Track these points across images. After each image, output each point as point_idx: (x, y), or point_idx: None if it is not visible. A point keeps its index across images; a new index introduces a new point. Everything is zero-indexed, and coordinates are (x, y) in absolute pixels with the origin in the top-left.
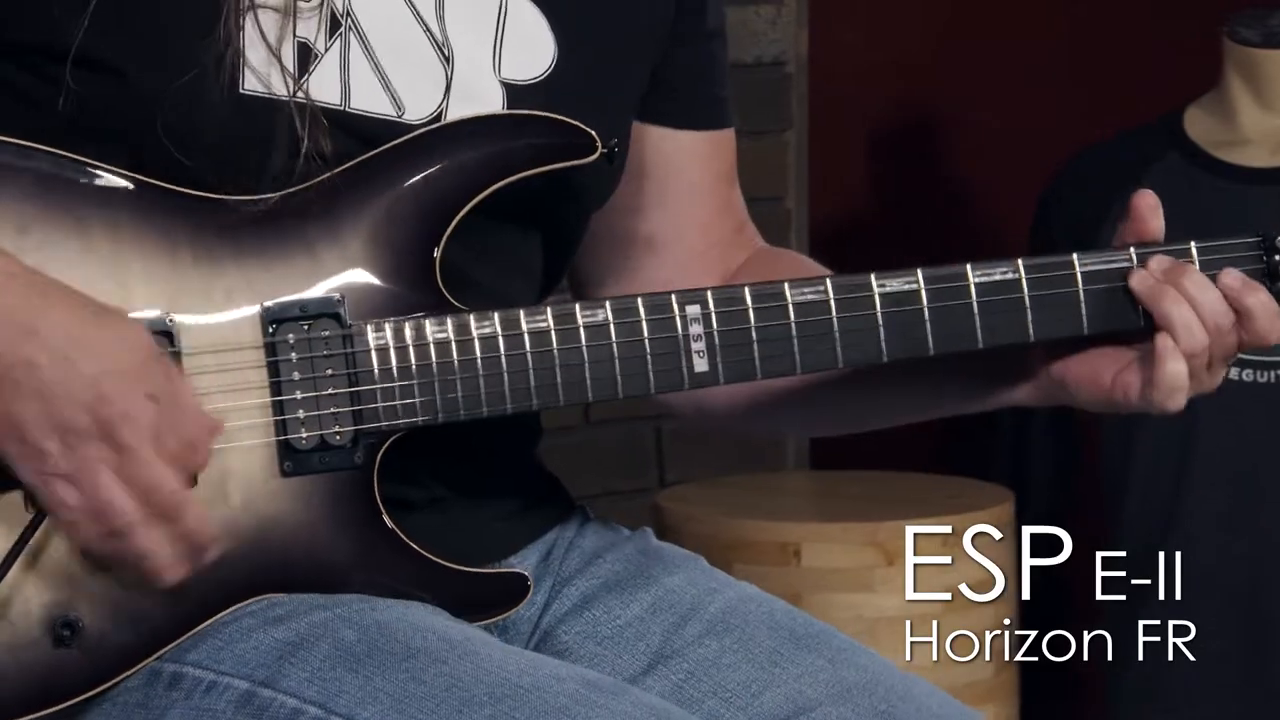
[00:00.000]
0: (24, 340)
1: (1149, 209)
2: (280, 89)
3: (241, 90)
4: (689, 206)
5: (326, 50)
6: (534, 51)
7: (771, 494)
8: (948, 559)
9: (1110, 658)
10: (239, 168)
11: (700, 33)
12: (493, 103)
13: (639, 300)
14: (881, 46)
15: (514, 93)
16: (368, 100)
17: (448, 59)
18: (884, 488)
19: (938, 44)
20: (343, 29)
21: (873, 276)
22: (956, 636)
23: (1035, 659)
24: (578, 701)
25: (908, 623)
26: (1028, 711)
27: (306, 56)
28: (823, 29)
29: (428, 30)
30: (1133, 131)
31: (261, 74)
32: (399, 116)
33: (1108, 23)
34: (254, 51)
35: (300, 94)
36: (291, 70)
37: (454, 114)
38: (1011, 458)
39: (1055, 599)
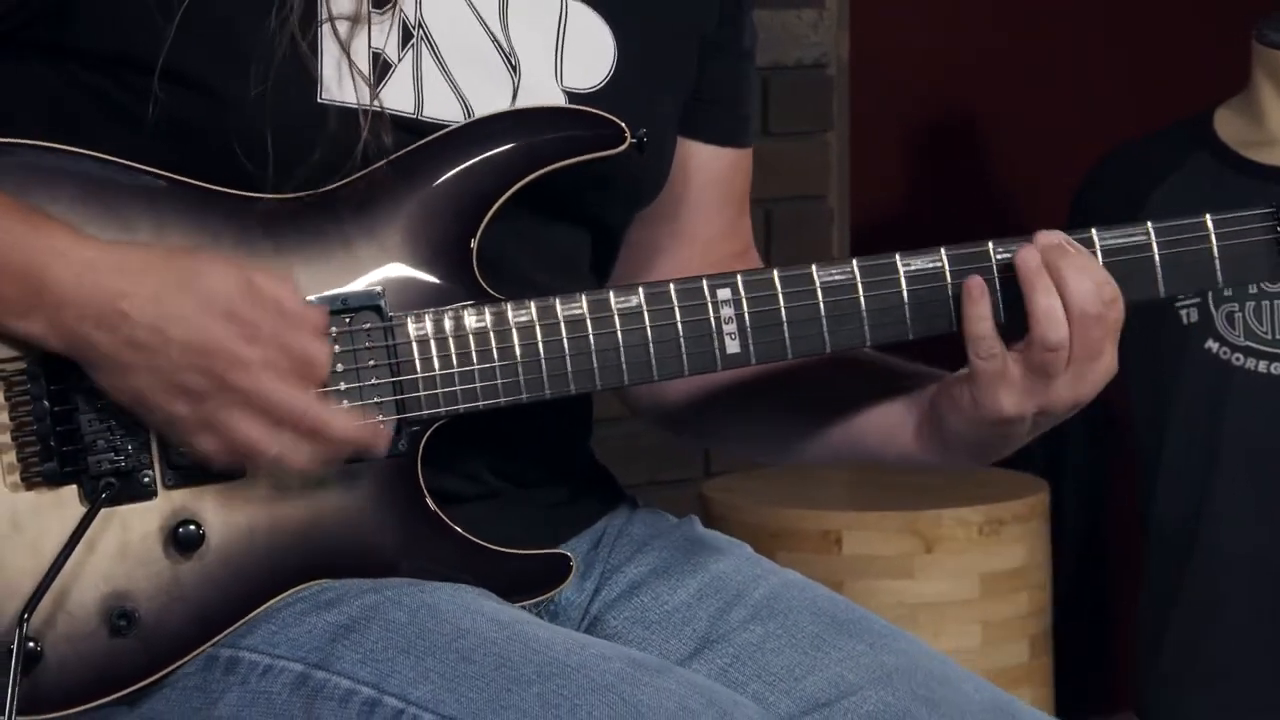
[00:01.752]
0: (118, 326)
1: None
2: (356, 98)
3: (319, 99)
4: (695, 222)
5: (400, 60)
6: (595, 56)
7: (813, 484)
8: (985, 546)
9: (1142, 642)
10: (315, 175)
11: (736, 50)
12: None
13: (671, 286)
14: (921, 48)
15: (574, 100)
16: (440, 108)
17: (514, 67)
18: (922, 477)
19: (976, 46)
20: (415, 39)
21: (898, 256)
22: (993, 622)
23: (1069, 643)
24: (623, 679)
25: (946, 608)
26: (1062, 695)
27: (381, 66)
28: (863, 32)
29: (494, 39)
30: (1164, 131)
31: (338, 83)
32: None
33: (1141, 25)
34: (330, 61)
35: (376, 102)
36: (368, 79)
37: None
38: (1047, 448)
39: (1089, 585)
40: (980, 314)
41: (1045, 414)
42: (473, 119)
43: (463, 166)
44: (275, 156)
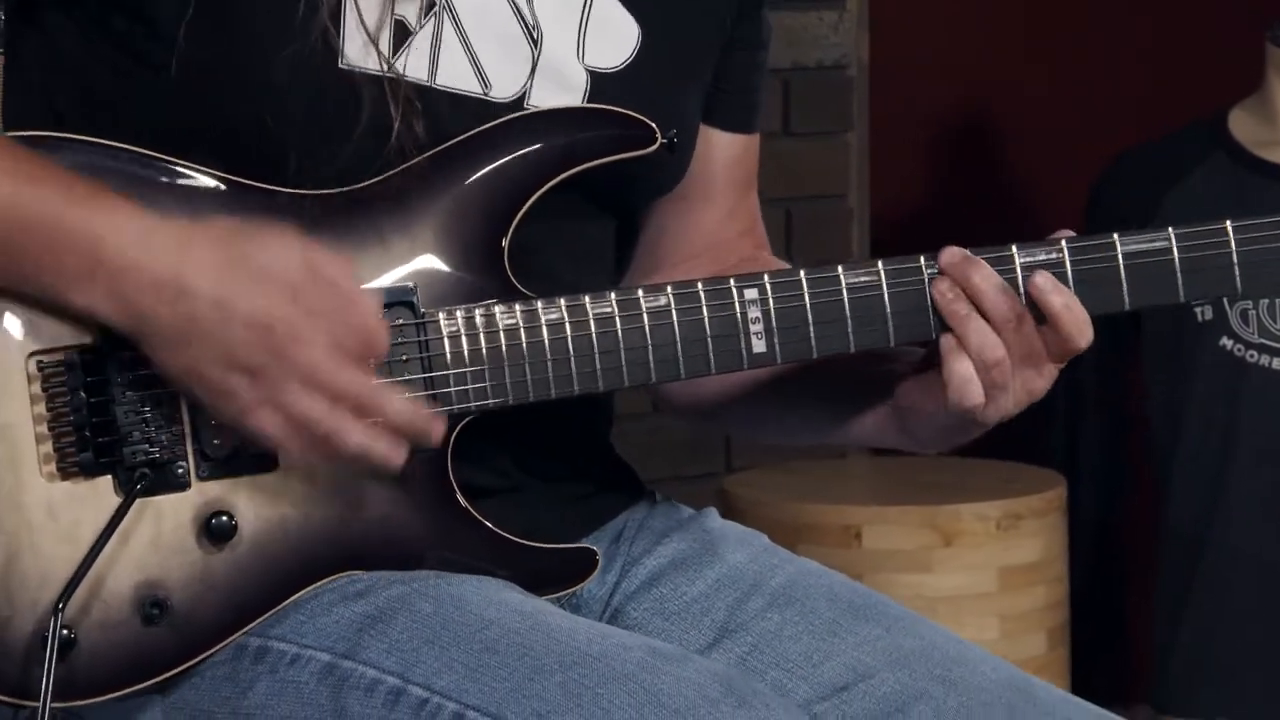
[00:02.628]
0: (178, 299)
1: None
2: (375, 64)
3: (340, 65)
4: (699, 207)
5: (420, 27)
6: (617, 38)
7: (834, 479)
8: (1002, 541)
9: (1158, 635)
10: (330, 140)
11: (754, 41)
12: (576, 85)
13: (700, 285)
14: (940, 50)
15: (597, 79)
16: (455, 77)
17: (536, 41)
18: (941, 472)
19: (994, 47)
20: (437, 7)
21: (922, 258)
22: (1011, 614)
23: (1086, 636)
24: (644, 668)
25: (965, 601)
26: (1079, 686)
27: (402, 33)
28: (883, 33)
29: (517, 11)
30: (1179, 132)
31: (359, 49)
32: (485, 94)
33: (1158, 26)
34: (353, 27)
35: (393, 70)
36: (388, 46)
37: (538, 94)
38: (1064, 444)
39: (1105, 578)
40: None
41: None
42: (506, 118)
43: (495, 165)
44: (297, 120)
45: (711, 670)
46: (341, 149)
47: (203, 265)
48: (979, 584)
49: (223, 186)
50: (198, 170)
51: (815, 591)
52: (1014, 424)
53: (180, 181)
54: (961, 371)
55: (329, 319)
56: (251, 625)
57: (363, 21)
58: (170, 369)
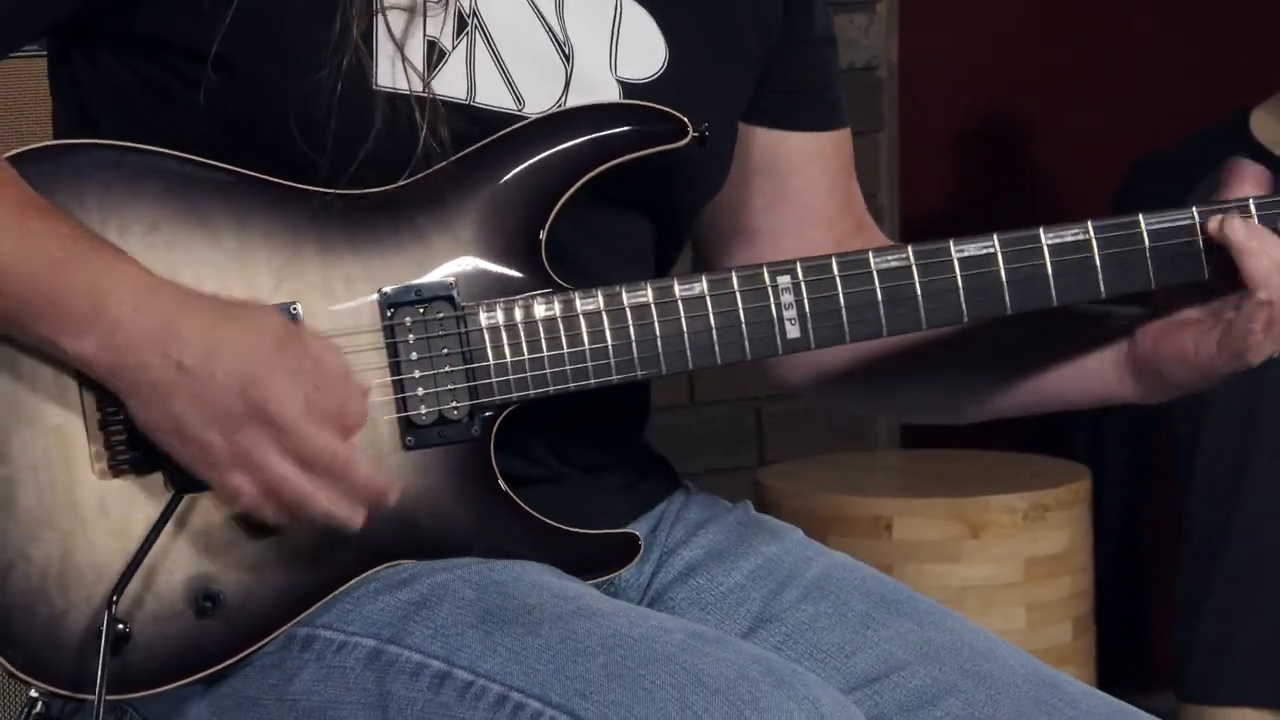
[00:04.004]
0: (169, 347)
1: (1246, 175)
2: (410, 84)
3: (374, 86)
4: (810, 203)
5: (454, 48)
6: (647, 52)
7: (864, 471)
8: (1029, 532)
9: (1180, 624)
10: (368, 159)
11: (809, 37)
12: (609, 99)
13: (733, 273)
14: (967, 51)
15: (629, 91)
16: (491, 95)
17: (568, 57)
18: (969, 465)
19: (1021, 49)
20: (469, 28)
21: (951, 242)
22: (1037, 603)
23: (1110, 625)
24: (684, 650)
25: (992, 591)
26: (1103, 674)
27: (435, 54)
28: (912, 35)
29: (549, 29)
30: (1200, 133)
31: (392, 70)
32: (520, 110)
33: (1183, 27)
34: (385, 49)
35: (428, 89)
36: (421, 67)
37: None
38: (1089, 437)
39: (1129, 569)
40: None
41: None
42: (540, 115)
43: (531, 161)
44: (331, 141)
45: (751, 652)
46: (373, 168)
47: (196, 318)
48: (1006, 574)
49: (263, 187)
50: (237, 172)
51: (849, 585)
52: (1040, 418)
53: (220, 183)
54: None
55: (307, 380)
56: (301, 616)
57: (395, 42)
58: (151, 422)
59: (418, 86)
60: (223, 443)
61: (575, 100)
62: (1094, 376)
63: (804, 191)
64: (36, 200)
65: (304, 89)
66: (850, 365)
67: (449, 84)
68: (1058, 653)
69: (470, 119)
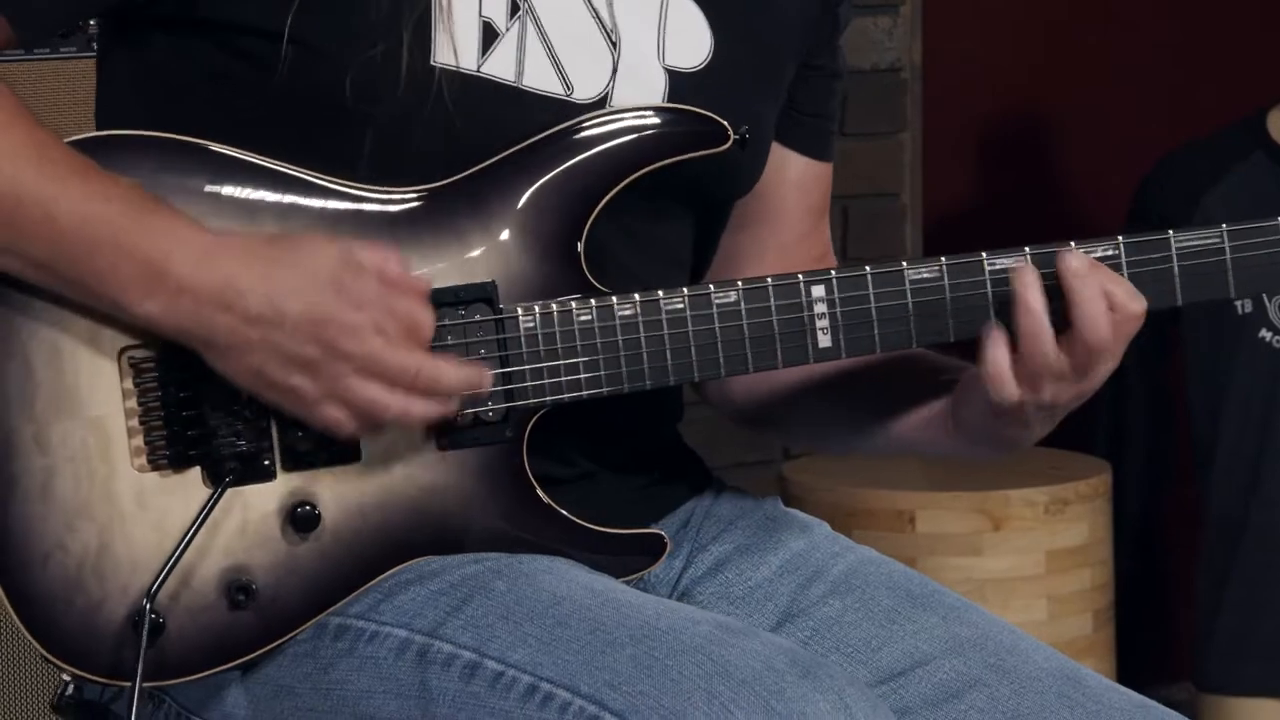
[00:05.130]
0: (235, 302)
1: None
2: (467, 63)
3: (432, 62)
4: (780, 227)
5: (507, 30)
6: (694, 41)
7: (888, 466)
8: (1050, 525)
9: (1199, 616)
10: (426, 134)
11: (831, 71)
12: (656, 87)
13: (769, 281)
14: (990, 53)
15: (676, 79)
16: (540, 79)
17: (615, 44)
18: (991, 461)
19: (1042, 50)
20: (521, 11)
21: (984, 255)
22: (1058, 596)
23: (1131, 617)
24: (712, 641)
25: (1014, 583)
26: (1124, 665)
27: (490, 35)
28: (935, 38)
29: (597, 16)
30: (1219, 133)
31: (449, 48)
32: (568, 95)
33: (1205, 27)
34: (443, 27)
35: (483, 69)
36: (477, 47)
37: (620, 95)
38: (1109, 432)
39: (1149, 561)
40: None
41: (1055, 407)
42: (579, 119)
43: (570, 164)
44: (386, 118)
45: (777, 644)
46: (425, 144)
47: (253, 271)
48: (1027, 567)
49: (307, 184)
50: (283, 168)
51: (875, 580)
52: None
53: (266, 179)
54: (1095, 311)
55: (374, 308)
56: (333, 608)
57: (452, 22)
58: (236, 376)
59: (472, 65)
60: (309, 383)
61: (622, 87)
62: (931, 429)
63: (790, 210)
64: (93, 165)
65: (363, 64)
66: (746, 400)
67: (500, 65)
68: (1078, 644)
69: (518, 101)
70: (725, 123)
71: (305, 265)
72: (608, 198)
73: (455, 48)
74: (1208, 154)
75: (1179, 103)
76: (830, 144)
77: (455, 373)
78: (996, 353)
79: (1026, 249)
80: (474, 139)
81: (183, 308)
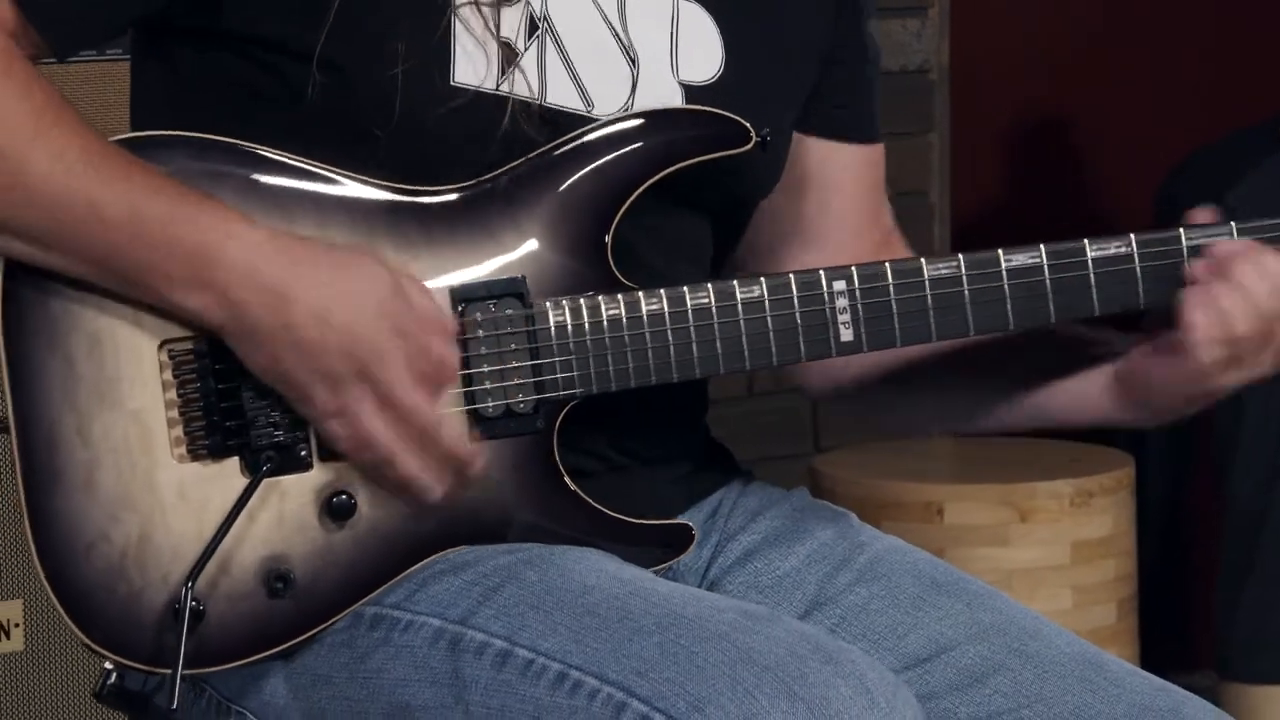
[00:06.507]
0: (282, 306)
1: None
2: (488, 83)
3: (453, 82)
4: (845, 211)
5: (526, 49)
6: (705, 53)
7: (916, 458)
8: (1075, 516)
9: (1221, 605)
10: (449, 152)
11: (859, 57)
12: (673, 101)
13: (791, 277)
14: (1016, 54)
15: (691, 93)
16: (561, 96)
17: (633, 60)
18: (1017, 452)
19: (1068, 52)
20: (540, 31)
21: (1000, 252)
22: (1082, 586)
23: (1154, 607)
24: (737, 629)
25: (1039, 574)
26: (1147, 653)
27: (509, 55)
28: (962, 40)
29: (615, 33)
30: (1244, 131)
31: (469, 68)
32: (589, 112)
33: (1233, 26)
34: (464, 48)
35: (504, 87)
36: (497, 66)
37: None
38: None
39: (1172, 552)
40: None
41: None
42: (607, 119)
43: (599, 164)
44: (416, 135)
45: (801, 630)
46: (447, 162)
47: (306, 279)
48: (1053, 557)
49: (344, 185)
50: (319, 168)
51: (900, 568)
52: None
53: (302, 179)
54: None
55: (410, 340)
56: (369, 597)
57: (471, 41)
58: (260, 366)
59: (491, 85)
60: (326, 394)
61: (641, 103)
62: (1086, 398)
63: (838, 200)
64: (138, 161)
65: (385, 83)
66: (860, 379)
67: (521, 84)
68: (1102, 633)
69: (541, 118)
70: (747, 125)
71: (357, 285)
72: (633, 196)
73: (475, 68)
74: (1230, 154)
75: (1203, 103)
76: (871, 125)
77: (457, 440)
78: (1195, 315)
79: (1042, 246)
80: (493, 158)
81: (230, 301)
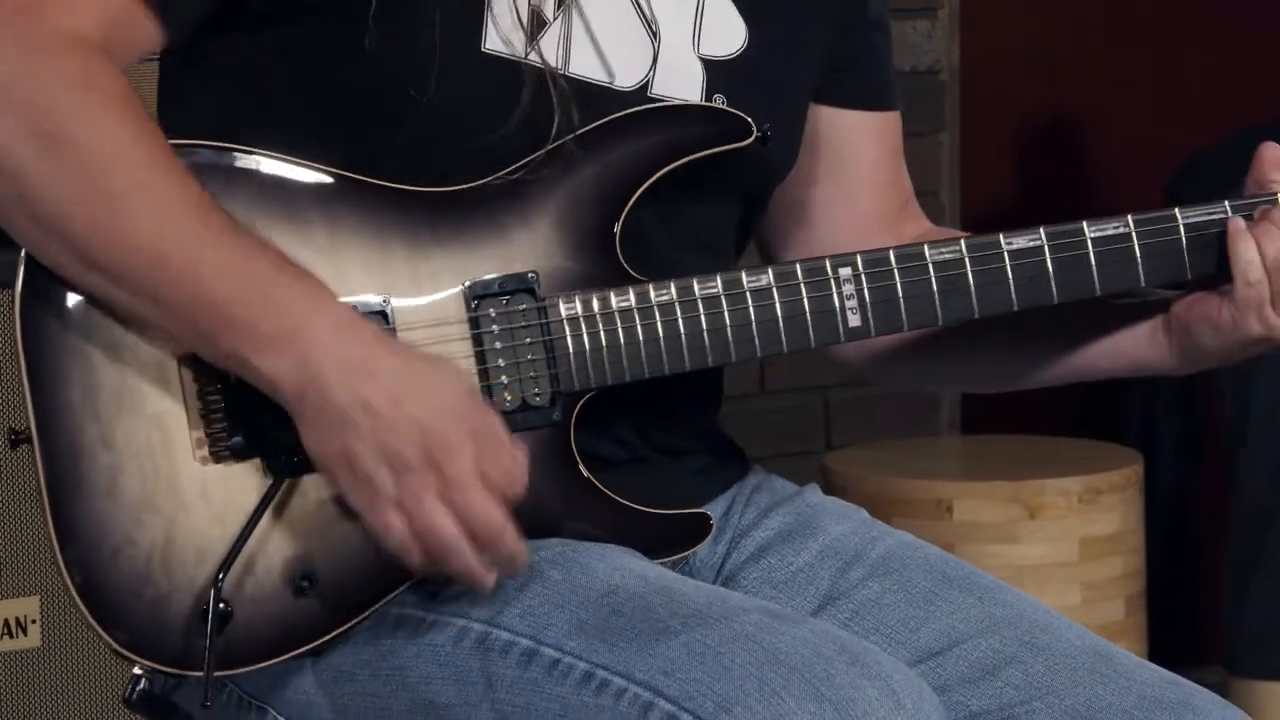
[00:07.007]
0: (362, 384)
1: (1271, 161)
2: (518, 49)
3: (483, 48)
4: (861, 178)
5: (554, 19)
6: (727, 30)
7: (927, 456)
8: (1083, 513)
9: (1229, 601)
10: (475, 117)
11: (865, 20)
12: (693, 75)
13: (797, 265)
14: (1026, 55)
15: (711, 68)
16: (584, 66)
17: (655, 34)
18: (1027, 450)
19: (1078, 52)
20: (568, 1)
21: (1001, 235)
22: (1091, 582)
23: (1162, 603)
24: (762, 629)
25: (1048, 570)
26: (1155, 649)
27: (538, 22)
28: (972, 40)
29: (638, 6)
30: (1251, 130)
31: (501, 35)
32: (610, 83)
33: (1244, 25)
34: (497, 14)
35: (531, 56)
36: (526, 33)
37: (659, 84)
38: (1141, 423)
39: (1180, 549)
40: (1247, 248)
41: None
42: (612, 116)
43: (605, 159)
44: (439, 101)
45: (825, 631)
46: (482, 127)
47: (389, 363)
48: (1062, 554)
49: (354, 186)
50: (328, 170)
51: (912, 563)
52: (1094, 407)
53: (312, 181)
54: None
55: (483, 444)
56: (393, 595)
57: (504, 9)
58: (325, 446)
59: (520, 53)
60: (390, 483)
61: (661, 76)
62: (1131, 344)
63: (855, 167)
64: (235, 222)
65: (419, 50)
66: (900, 345)
67: (546, 52)
68: (1111, 629)
69: (564, 88)
70: (750, 120)
71: (437, 380)
72: (640, 191)
73: (505, 36)
74: (1238, 152)
75: (1215, 104)
76: (888, 93)
77: (517, 543)
78: (1238, 244)
79: (1042, 229)
80: (514, 127)
81: (310, 373)
